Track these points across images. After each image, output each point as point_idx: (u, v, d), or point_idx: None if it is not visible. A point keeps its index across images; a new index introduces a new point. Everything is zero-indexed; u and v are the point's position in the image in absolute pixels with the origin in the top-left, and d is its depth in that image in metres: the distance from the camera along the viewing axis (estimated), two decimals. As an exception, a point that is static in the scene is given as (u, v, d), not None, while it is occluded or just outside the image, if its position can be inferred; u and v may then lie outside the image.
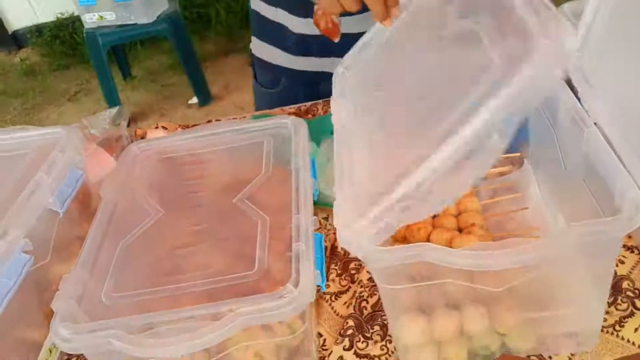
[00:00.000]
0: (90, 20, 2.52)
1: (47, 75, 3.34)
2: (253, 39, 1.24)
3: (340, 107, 0.74)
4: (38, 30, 3.54)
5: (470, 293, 0.60)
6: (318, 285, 0.62)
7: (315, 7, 0.85)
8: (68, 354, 0.76)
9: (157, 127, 1.09)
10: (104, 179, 0.82)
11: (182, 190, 0.80)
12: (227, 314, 0.58)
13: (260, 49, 1.22)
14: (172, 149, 0.86)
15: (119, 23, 2.53)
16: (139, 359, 0.60)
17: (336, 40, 0.88)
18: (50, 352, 0.74)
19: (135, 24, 2.54)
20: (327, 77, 1.18)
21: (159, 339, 0.57)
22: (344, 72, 0.79)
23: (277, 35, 1.16)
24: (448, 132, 0.49)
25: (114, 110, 1.05)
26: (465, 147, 0.48)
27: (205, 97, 2.94)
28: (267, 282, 0.62)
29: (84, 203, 0.86)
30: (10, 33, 3.58)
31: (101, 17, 2.50)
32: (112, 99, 2.72)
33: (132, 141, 0.95)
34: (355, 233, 0.53)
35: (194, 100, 2.95)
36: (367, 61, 0.78)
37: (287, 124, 0.84)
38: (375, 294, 0.76)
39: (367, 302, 0.76)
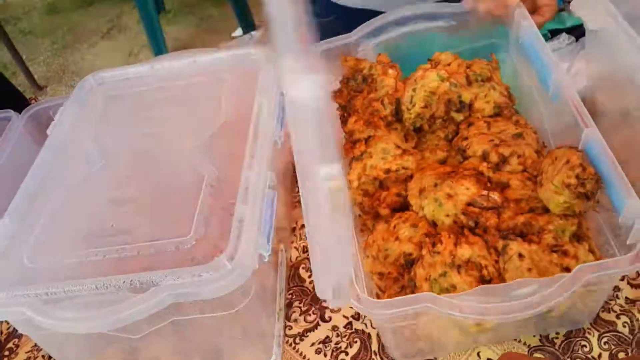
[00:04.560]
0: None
1: (72, 13, 3.13)
2: None
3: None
4: (56, -34, 3.29)
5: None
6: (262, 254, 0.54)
7: None
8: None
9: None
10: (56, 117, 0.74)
11: (133, 135, 0.69)
12: (151, 288, 0.51)
13: None
14: (130, 84, 0.76)
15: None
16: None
17: None
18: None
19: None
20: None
21: (75, 313, 0.51)
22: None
23: None
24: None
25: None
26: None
27: (250, 29, 2.41)
28: (203, 250, 0.54)
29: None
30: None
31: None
32: (154, 34, 2.42)
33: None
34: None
35: (239, 32, 2.47)
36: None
37: (254, 55, 0.73)
38: (356, 343, 0.63)
39: (347, 354, 0.62)
